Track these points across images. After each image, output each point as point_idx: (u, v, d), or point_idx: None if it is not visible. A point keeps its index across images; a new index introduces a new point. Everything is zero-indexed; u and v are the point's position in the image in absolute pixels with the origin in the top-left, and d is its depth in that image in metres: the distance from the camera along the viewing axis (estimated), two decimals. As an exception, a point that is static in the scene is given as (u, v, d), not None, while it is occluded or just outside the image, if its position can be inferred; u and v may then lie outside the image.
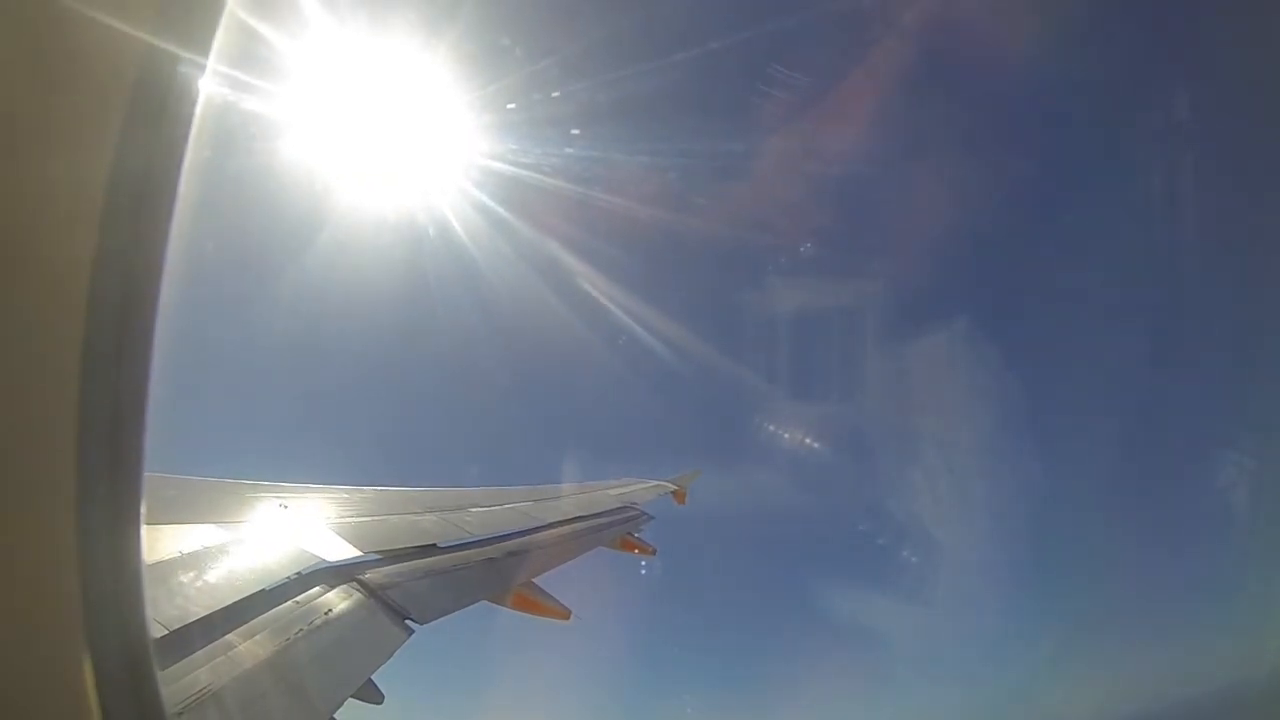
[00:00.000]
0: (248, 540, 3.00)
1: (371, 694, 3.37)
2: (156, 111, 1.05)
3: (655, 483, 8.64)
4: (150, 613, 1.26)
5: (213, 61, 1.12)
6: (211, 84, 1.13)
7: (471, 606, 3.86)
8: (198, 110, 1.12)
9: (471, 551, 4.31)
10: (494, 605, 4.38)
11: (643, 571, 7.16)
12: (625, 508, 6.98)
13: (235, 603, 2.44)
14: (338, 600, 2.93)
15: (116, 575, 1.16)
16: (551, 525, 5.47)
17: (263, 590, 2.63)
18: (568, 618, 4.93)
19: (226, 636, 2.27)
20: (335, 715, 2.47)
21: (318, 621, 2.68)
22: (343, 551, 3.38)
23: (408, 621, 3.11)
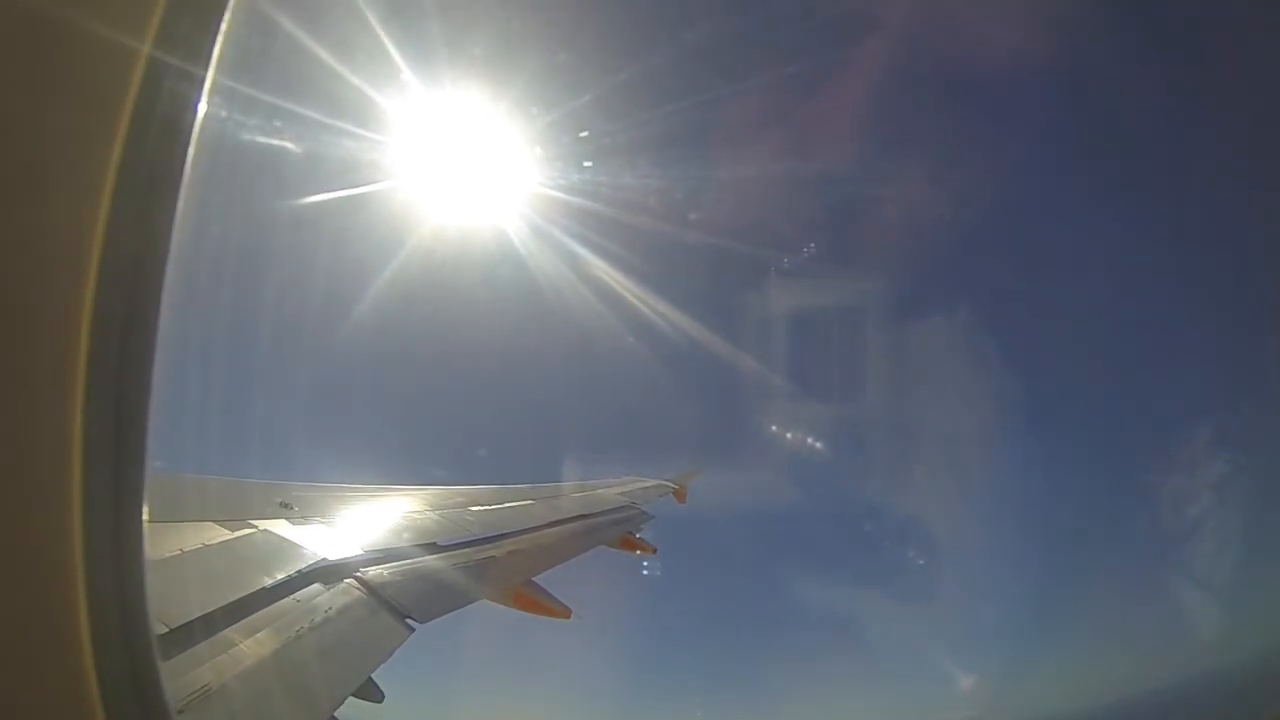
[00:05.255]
0: (249, 538, 3.01)
1: (372, 692, 3.38)
2: (159, 121, 1.06)
3: (655, 482, 8.64)
4: (153, 610, 1.27)
5: (214, 73, 1.13)
6: (213, 95, 1.14)
7: (472, 605, 3.87)
8: (199, 120, 1.13)
9: (472, 550, 4.32)
10: (494, 604, 4.39)
11: (644, 571, 7.17)
12: (625, 507, 6.99)
13: (237, 600, 2.45)
14: (338, 598, 2.93)
15: (120, 572, 1.17)
16: (552, 524, 5.47)
17: (264, 588, 2.64)
18: (568, 616, 4.93)
19: (228, 634, 2.28)
20: (335, 713, 2.48)
21: (318, 619, 2.69)
22: (344, 549, 3.39)
23: (408, 620, 3.12)
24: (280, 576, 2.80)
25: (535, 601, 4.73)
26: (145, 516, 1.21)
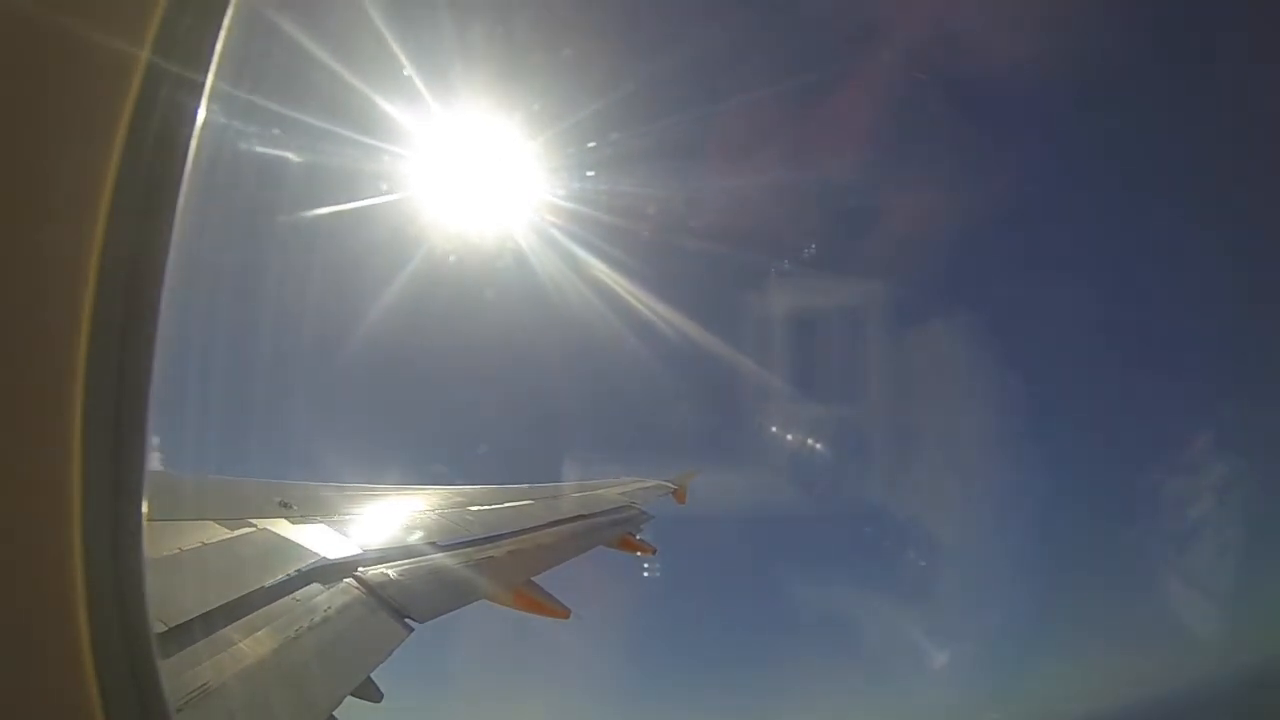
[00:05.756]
0: (248, 537, 3.02)
1: (370, 692, 3.38)
2: (158, 125, 1.07)
3: (655, 482, 8.63)
4: (152, 608, 1.28)
5: (213, 79, 1.14)
6: (212, 101, 1.15)
7: (471, 605, 3.87)
8: (198, 126, 1.14)
9: (471, 549, 4.32)
10: (494, 604, 4.39)
11: (643, 571, 7.16)
12: (625, 507, 6.99)
13: (235, 599, 2.45)
14: (337, 598, 2.94)
15: (118, 571, 1.17)
16: (551, 524, 5.48)
17: (263, 587, 2.64)
18: (567, 617, 4.93)
19: (227, 633, 2.28)
20: (334, 713, 2.48)
21: (317, 619, 2.69)
22: (343, 549, 3.39)
23: (407, 620, 3.12)
24: (279, 575, 2.80)
25: (534, 601, 4.73)
26: (145, 515, 1.22)
